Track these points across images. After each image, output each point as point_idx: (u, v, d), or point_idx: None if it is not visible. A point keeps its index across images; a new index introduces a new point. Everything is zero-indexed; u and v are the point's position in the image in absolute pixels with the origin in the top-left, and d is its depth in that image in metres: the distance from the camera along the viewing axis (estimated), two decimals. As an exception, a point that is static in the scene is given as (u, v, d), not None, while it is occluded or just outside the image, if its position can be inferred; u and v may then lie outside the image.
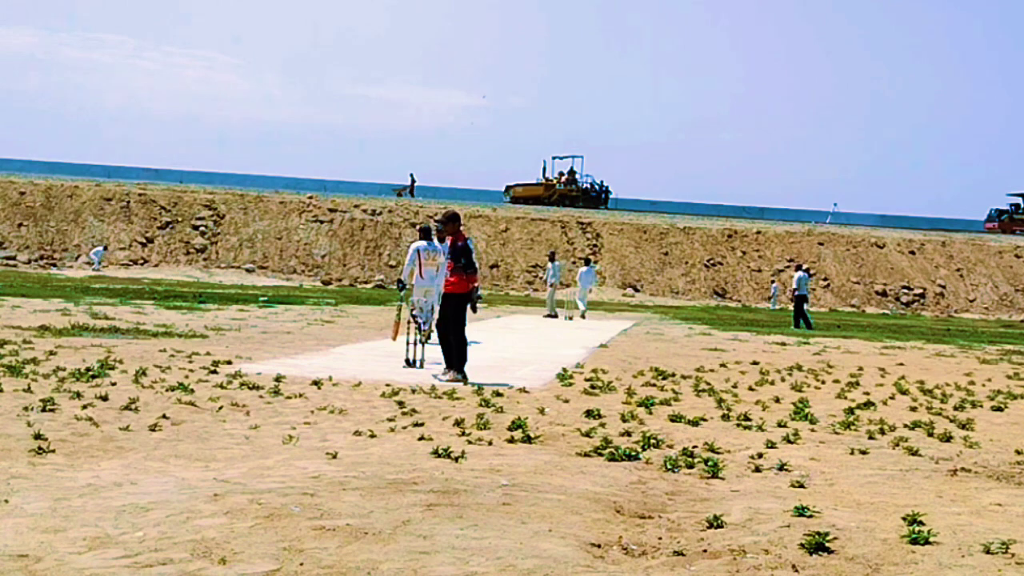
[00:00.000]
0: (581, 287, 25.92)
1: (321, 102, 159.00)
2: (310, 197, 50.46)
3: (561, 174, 59.87)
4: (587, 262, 28.02)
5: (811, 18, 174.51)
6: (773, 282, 45.36)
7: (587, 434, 7.44)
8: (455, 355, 10.50)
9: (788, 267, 28.23)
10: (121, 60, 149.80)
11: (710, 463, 6.35)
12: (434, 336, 11.54)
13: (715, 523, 4.93)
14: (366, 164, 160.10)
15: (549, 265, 26.61)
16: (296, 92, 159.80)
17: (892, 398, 10.67)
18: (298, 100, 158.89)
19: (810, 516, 5.11)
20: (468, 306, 10.82)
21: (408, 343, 11.70)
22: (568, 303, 26.34)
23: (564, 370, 11.70)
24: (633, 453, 6.67)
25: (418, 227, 13.33)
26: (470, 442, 6.90)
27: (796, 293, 25.65)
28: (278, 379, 9.49)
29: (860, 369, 13.95)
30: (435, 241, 12.47)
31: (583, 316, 24.97)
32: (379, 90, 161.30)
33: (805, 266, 27.28)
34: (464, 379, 10.31)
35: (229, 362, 10.84)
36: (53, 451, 5.99)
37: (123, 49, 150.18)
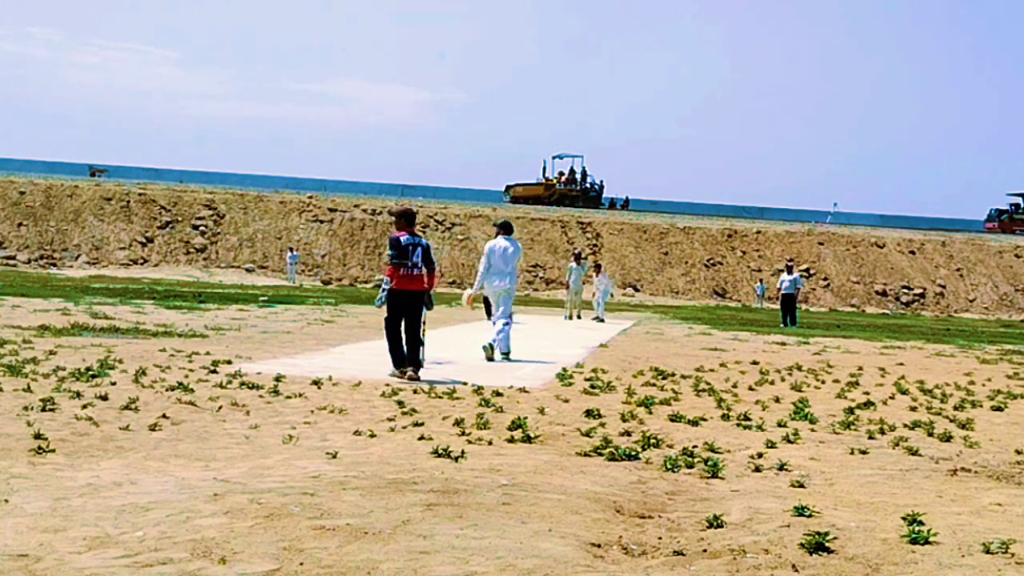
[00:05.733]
0: (601, 291, 25.89)
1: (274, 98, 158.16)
2: (310, 197, 50.49)
3: (561, 174, 59.88)
4: (598, 268, 27.91)
5: (811, 17, 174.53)
6: (760, 282, 45.69)
7: (587, 434, 7.43)
8: (410, 352, 10.52)
9: (788, 265, 28.56)
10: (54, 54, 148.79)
11: (710, 463, 6.35)
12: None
13: (715, 523, 4.93)
14: (317, 160, 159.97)
15: (573, 266, 26.45)
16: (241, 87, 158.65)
17: (892, 398, 10.66)
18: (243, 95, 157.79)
19: (810, 516, 5.11)
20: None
21: None
22: (568, 303, 26.32)
23: (564, 370, 11.70)
24: (633, 453, 6.66)
25: (497, 223, 14.01)
26: (470, 442, 6.89)
27: (782, 293, 27.18)
28: (278, 379, 9.49)
29: (860, 369, 13.95)
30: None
31: (602, 320, 24.91)
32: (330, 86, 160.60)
33: (793, 267, 28.56)
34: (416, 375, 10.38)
35: (229, 362, 10.84)
36: (53, 451, 5.98)
37: (53, 43, 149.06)
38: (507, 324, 13.17)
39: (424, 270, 10.67)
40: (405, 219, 10.97)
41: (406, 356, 10.51)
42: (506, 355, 12.98)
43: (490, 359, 12.75)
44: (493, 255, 13.30)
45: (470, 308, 13.35)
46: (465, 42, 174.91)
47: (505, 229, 13.57)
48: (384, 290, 10.85)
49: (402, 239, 10.67)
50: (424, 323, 10.77)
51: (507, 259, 13.33)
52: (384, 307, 10.77)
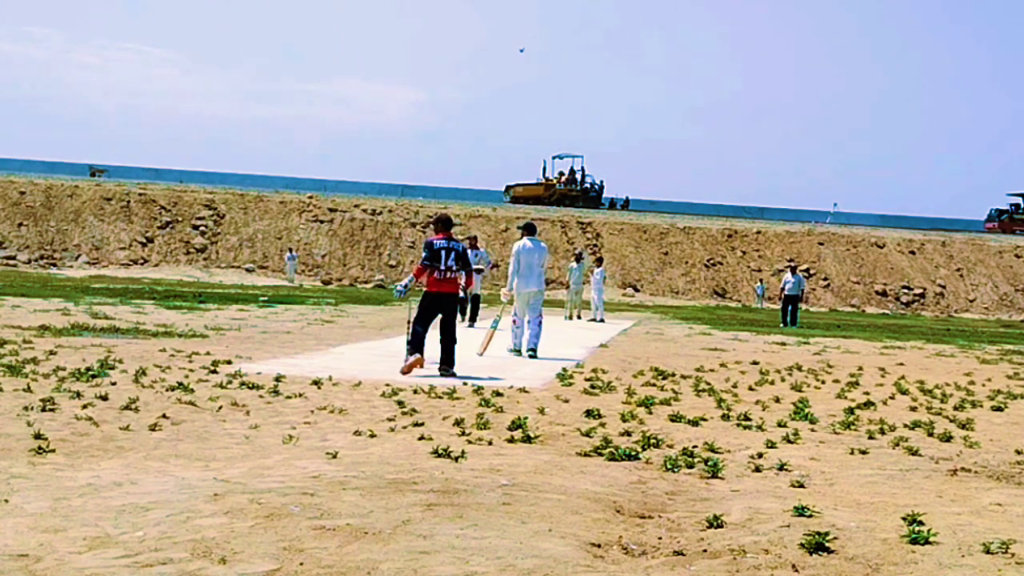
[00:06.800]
0: (597, 291, 25.71)
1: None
2: (310, 197, 50.49)
3: (561, 174, 59.87)
4: (600, 261, 27.95)
5: (811, 17, 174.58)
6: (760, 282, 45.75)
7: (587, 434, 7.43)
8: (446, 351, 10.95)
9: (791, 266, 28.74)
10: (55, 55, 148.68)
11: (710, 463, 6.35)
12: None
13: (715, 523, 4.93)
14: (320, 161, 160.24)
15: (573, 266, 26.40)
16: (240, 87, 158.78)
17: (892, 398, 10.66)
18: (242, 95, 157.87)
19: (810, 516, 5.11)
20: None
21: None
22: (569, 303, 26.31)
23: (564, 370, 11.70)
24: (633, 453, 6.66)
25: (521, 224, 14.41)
26: (470, 442, 6.89)
27: (785, 293, 27.24)
28: (278, 379, 9.49)
29: (860, 369, 13.95)
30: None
31: (601, 320, 24.79)
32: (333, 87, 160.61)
33: (796, 267, 28.82)
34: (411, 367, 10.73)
35: (229, 362, 10.84)
36: (53, 451, 5.98)
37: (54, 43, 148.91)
38: (539, 323, 13.51)
39: (460, 273, 11.09)
40: (442, 224, 11.44)
41: (423, 349, 10.90)
42: (533, 352, 13.28)
43: (518, 353, 13.28)
44: (520, 257, 13.48)
45: (509, 304, 13.79)
46: (465, 42, 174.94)
47: (528, 230, 13.90)
48: (405, 285, 11.22)
49: (436, 243, 11.10)
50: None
51: (532, 261, 13.51)
52: (402, 297, 11.36)
